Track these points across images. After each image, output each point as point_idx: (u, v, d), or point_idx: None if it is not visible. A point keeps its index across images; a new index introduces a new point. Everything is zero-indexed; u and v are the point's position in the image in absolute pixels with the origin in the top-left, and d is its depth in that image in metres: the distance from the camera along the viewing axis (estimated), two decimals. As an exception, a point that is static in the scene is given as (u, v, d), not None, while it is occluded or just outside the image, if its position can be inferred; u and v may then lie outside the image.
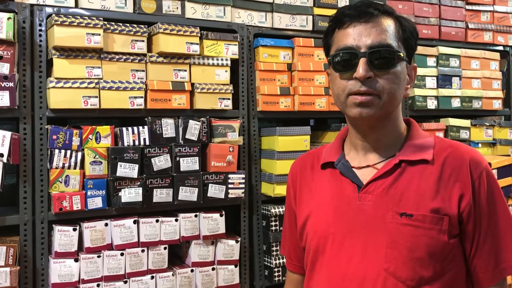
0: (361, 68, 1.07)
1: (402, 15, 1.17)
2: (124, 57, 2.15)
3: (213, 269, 2.26)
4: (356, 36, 1.10)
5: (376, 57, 1.08)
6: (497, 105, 3.14)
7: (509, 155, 2.87)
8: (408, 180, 1.11)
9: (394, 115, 1.16)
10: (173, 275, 2.18)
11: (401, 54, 1.11)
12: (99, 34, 2.04)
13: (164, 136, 2.19)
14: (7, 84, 1.91)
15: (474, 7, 3.14)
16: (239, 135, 2.36)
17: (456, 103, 2.97)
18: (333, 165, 1.22)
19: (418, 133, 1.19)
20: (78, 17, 2.02)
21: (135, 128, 2.13)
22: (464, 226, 1.09)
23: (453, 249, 1.09)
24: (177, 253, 2.38)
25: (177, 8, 2.29)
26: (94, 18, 2.04)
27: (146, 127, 2.14)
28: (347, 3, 2.69)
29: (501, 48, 3.24)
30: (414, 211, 1.08)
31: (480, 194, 1.09)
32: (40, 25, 2.03)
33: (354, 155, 1.20)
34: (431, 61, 2.92)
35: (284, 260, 2.37)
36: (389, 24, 1.12)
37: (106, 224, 2.08)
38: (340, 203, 1.16)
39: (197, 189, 2.22)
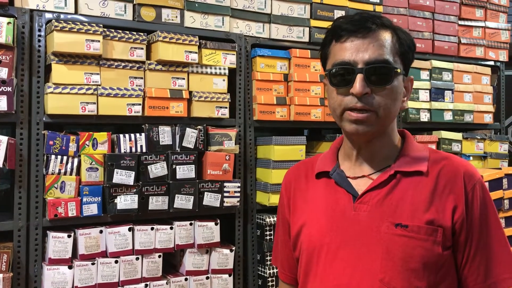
0: (358, 85, 1.06)
1: (400, 27, 1.16)
2: (123, 64, 2.15)
3: (207, 278, 2.26)
4: (353, 51, 1.08)
5: (373, 73, 1.07)
6: (488, 119, 3.20)
7: (500, 168, 2.91)
8: (403, 191, 1.12)
9: (390, 128, 1.17)
10: (167, 283, 2.17)
11: (398, 70, 1.10)
12: (99, 41, 2.05)
13: (161, 144, 2.19)
14: (5, 89, 1.90)
15: (467, 23, 3.20)
16: (235, 144, 2.36)
17: (448, 116, 3.01)
18: (328, 174, 1.21)
19: (413, 145, 1.19)
20: (78, 23, 2.02)
21: (132, 135, 2.13)
22: (456, 238, 1.10)
23: (447, 261, 1.09)
24: (171, 262, 2.37)
25: (176, 16, 2.31)
26: (94, 25, 2.05)
27: (143, 134, 2.14)
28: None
29: (492, 63, 3.31)
30: (409, 222, 1.08)
31: (473, 206, 1.09)
32: (39, 30, 2.03)
33: (349, 165, 1.20)
34: (424, 75, 2.97)
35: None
36: (386, 38, 1.11)
37: (101, 231, 2.06)
38: (335, 212, 1.15)
39: (192, 197, 2.22)
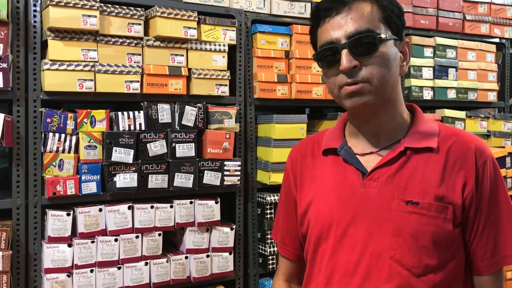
0: (344, 60, 1.05)
1: None
2: (121, 40, 2.11)
3: (207, 256, 2.25)
4: (333, 29, 1.08)
5: (357, 45, 1.05)
6: (492, 97, 3.15)
7: (503, 147, 2.88)
8: (413, 168, 1.10)
9: (393, 98, 1.14)
10: (167, 261, 2.17)
11: (382, 36, 1.07)
12: (95, 16, 2.00)
13: (160, 122, 2.16)
14: (0, 65, 1.87)
15: (472, -2, 3.13)
16: (235, 122, 2.33)
17: (452, 94, 2.97)
18: (336, 151, 1.19)
19: (422, 120, 1.17)
20: (74, -2, 1.97)
21: (131, 112, 2.10)
22: (465, 213, 1.09)
23: (457, 238, 1.09)
24: (172, 240, 2.37)
25: (175, -9, 2.25)
26: (91, 0, 2.00)
27: (141, 112, 2.11)
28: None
29: (497, 40, 3.24)
30: (420, 199, 1.07)
31: (483, 182, 1.09)
32: (34, 5, 1.98)
33: (356, 142, 1.18)
34: (428, 52, 2.92)
35: (279, 248, 2.37)
36: (364, 8, 1.08)
37: (101, 209, 2.05)
38: (344, 189, 1.14)
39: (192, 175, 2.20)
